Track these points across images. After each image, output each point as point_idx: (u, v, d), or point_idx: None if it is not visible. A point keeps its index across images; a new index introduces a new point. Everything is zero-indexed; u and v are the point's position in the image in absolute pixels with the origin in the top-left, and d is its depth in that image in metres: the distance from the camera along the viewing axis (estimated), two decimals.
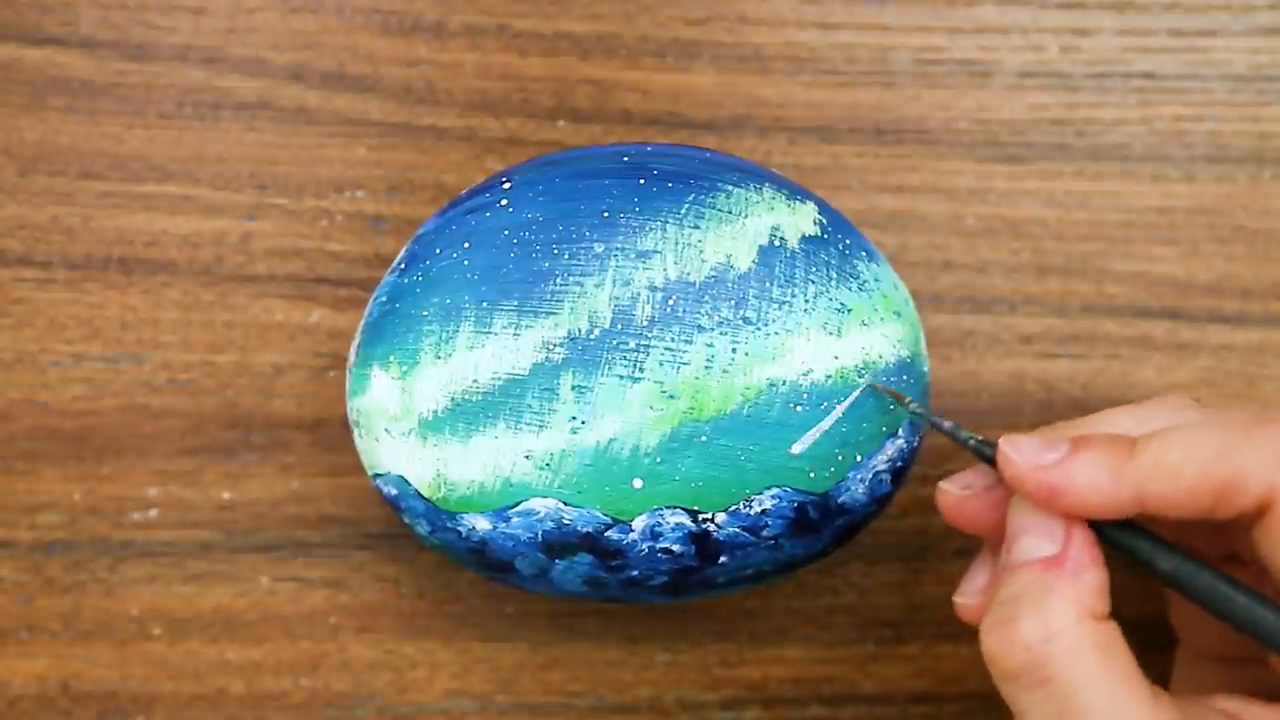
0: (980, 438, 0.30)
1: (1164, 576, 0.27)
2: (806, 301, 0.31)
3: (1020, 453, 0.28)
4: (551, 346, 0.30)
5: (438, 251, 0.32)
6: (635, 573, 0.31)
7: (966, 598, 0.30)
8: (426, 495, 0.31)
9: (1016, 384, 0.38)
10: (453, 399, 0.31)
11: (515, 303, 0.31)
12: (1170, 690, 0.30)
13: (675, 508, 0.31)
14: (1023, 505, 0.28)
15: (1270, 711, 0.27)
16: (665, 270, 0.31)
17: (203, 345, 0.38)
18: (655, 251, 0.31)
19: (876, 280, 0.32)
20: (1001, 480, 0.29)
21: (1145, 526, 0.28)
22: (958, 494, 0.30)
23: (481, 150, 0.38)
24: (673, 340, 0.30)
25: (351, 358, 0.32)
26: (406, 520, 0.32)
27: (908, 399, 0.31)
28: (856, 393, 0.31)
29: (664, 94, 0.39)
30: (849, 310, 0.31)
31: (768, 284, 0.31)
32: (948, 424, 0.30)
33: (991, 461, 0.29)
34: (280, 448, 0.38)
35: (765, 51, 0.39)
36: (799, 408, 0.31)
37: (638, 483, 0.30)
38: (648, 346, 0.30)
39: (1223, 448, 0.26)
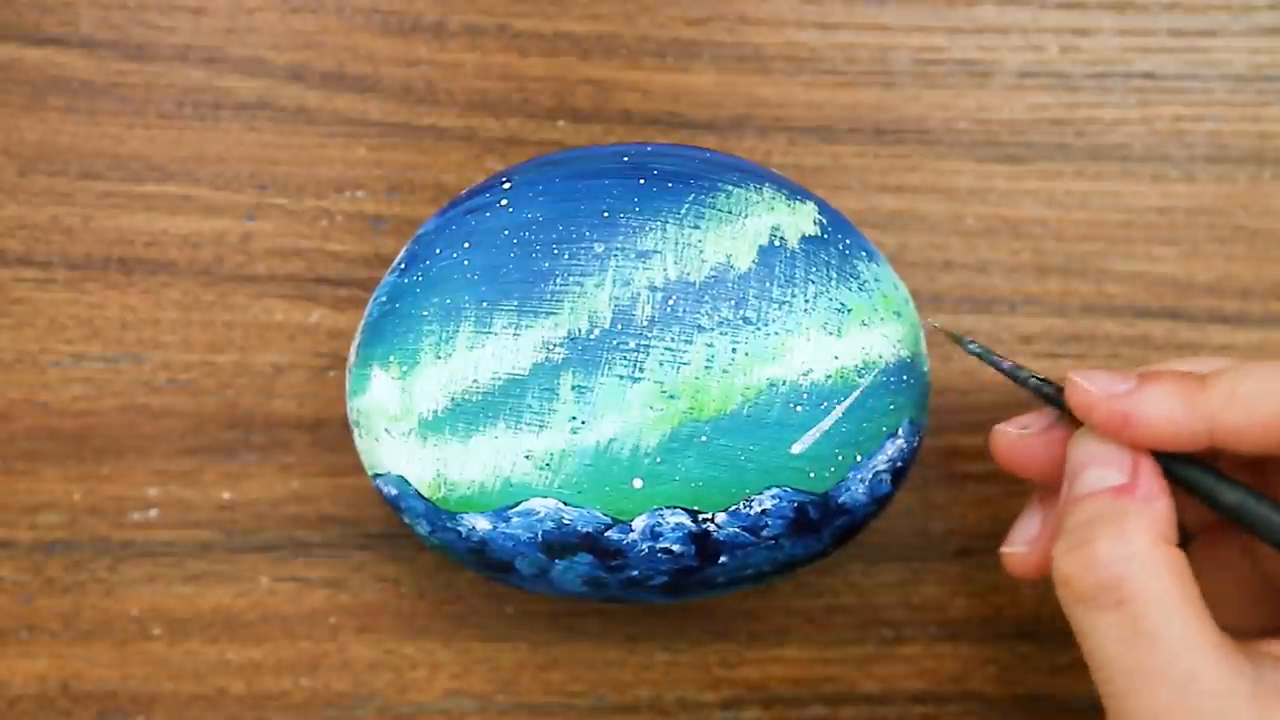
0: (1042, 377, 0.30)
1: (1228, 510, 0.28)
2: (806, 301, 0.31)
3: (1092, 381, 0.28)
4: (551, 346, 0.30)
5: (438, 251, 0.32)
6: (635, 573, 0.31)
7: (1016, 546, 0.30)
8: (426, 495, 0.31)
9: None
10: (453, 399, 0.31)
11: (515, 303, 0.31)
12: None
13: (675, 508, 0.31)
14: (1087, 439, 0.29)
15: None
16: (665, 270, 0.31)
17: (203, 345, 0.38)
18: (655, 251, 0.31)
19: (876, 280, 0.32)
20: (1061, 421, 0.29)
21: (1207, 463, 0.28)
22: (1017, 433, 0.30)
23: (481, 150, 0.38)
24: (673, 340, 0.30)
25: (351, 358, 0.32)
26: (406, 520, 0.32)
27: (965, 337, 0.32)
28: (859, 390, 0.31)
29: (664, 94, 0.39)
30: (849, 310, 0.31)
31: (768, 284, 0.31)
32: (1007, 364, 0.31)
33: (1052, 400, 0.30)
34: (280, 448, 0.38)
35: (765, 51, 0.39)
36: (799, 408, 0.31)
37: (638, 483, 0.30)
38: (648, 346, 0.30)
39: None
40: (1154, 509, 0.27)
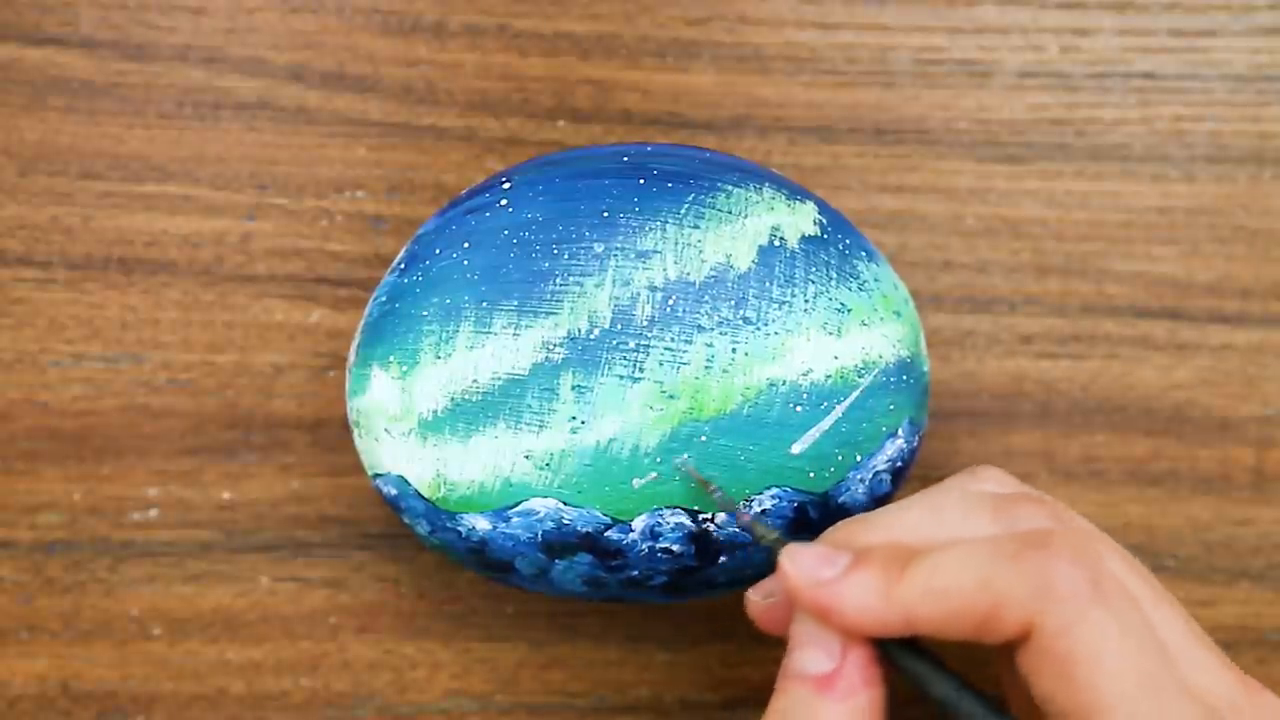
0: (778, 535, 0.29)
1: (937, 702, 0.27)
2: (806, 301, 0.31)
3: (798, 566, 0.27)
4: (551, 346, 0.30)
5: (438, 251, 0.32)
6: (635, 573, 0.31)
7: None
8: (426, 495, 0.31)
9: (1016, 384, 0.38)
10: (452, 399, 0.31)
11: (515, 303, 0.31)
12: None
13: (675, 508, 0.31)
14: (804, 617, 0.28)
15: None
16: (665, 270, 0.31)
17: (203, 345, 0.38)
18: (655, 251, 0.31)
19: (876, 280, 0.32)
20: None
21: (926, 647, 0.28)
22: (762, 602, 0.30)
23: (481, 150, 0.38)
24: (672, 340, 0.30)
25: (351, 358, 0.32)
26: (406, 520, 0.32)
27: (713, 488, 0.30)
28: (855, 394, 0.31)
29: (664, 94, 0.39)
30: (849, 310, 0.31)
31: (768, 284, 0.31)
32: (747, 517, 0.30)
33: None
34: (280, 448, 0.38)
35: (765, 51, 0.39)
36: (799, 408, 0.31)
37: (637, 482, 0.30)
38: (647, 346, 0.30)
39: (987, 575, 0.26)
40: (853, 704, 0.27)
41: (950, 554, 0.27)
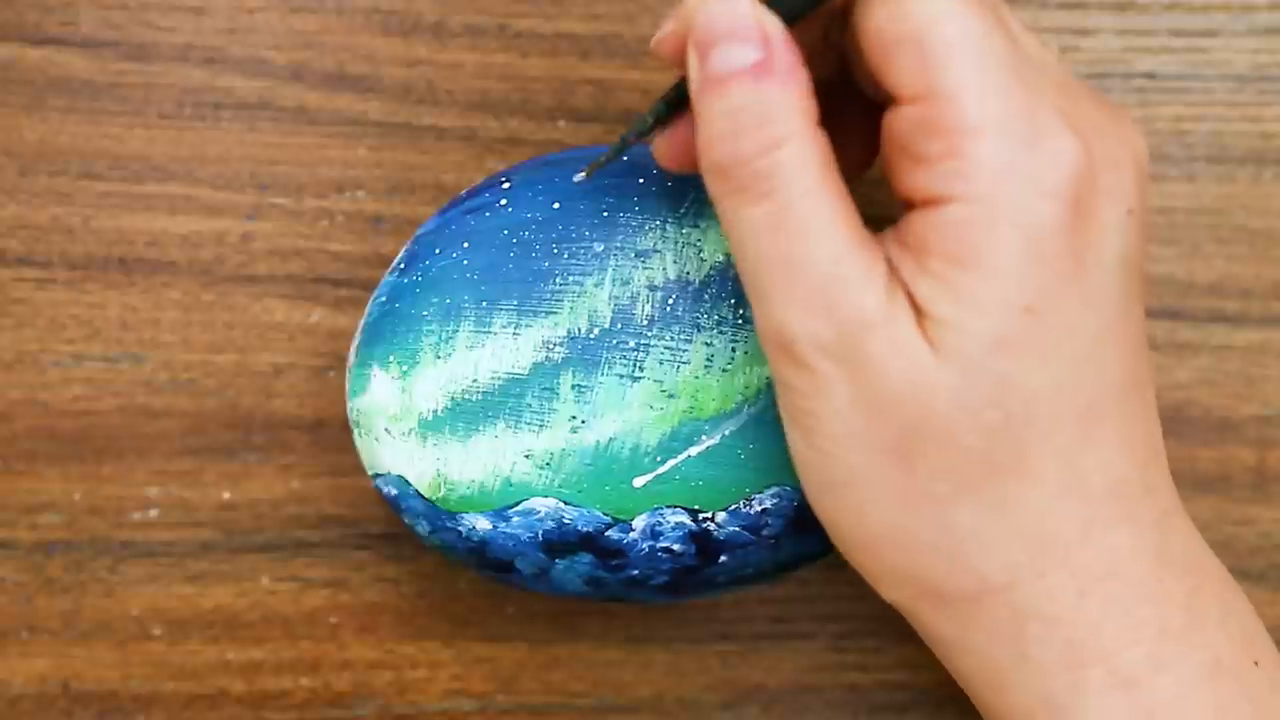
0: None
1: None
2: None
3: None
4: (551, 346, 0.30)
5: (437, 251, 0.32)
6: (636, 572, 0.31)
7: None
8: (426, 495, 0.31)
9: None
10: (452, 399, 0.31)
11: (515, 302, 0.31)
12: None
13: (675, 507, 0.31)
14: (711, 8, 0.26)
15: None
16: (665, 269, 0.31)
17: (203, 345, 0.38)
18: (655, 251, 0.31)
19: None
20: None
21: None
22: (665, 36, 0.27)
23: (481, 150, 0.38)
24: (672, 339, 0.30)
25: (351, 358, 0.32)
26: (406, 520, 0.32)
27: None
28: None
29: None
30: None
31: None
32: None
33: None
34: (280, 448, 0.38)
35: None
36: None
37: (638, 482, 0.30)
38: (647, 346, 0.30)
39: None
40: (795, 86, 0.25)
41: None
